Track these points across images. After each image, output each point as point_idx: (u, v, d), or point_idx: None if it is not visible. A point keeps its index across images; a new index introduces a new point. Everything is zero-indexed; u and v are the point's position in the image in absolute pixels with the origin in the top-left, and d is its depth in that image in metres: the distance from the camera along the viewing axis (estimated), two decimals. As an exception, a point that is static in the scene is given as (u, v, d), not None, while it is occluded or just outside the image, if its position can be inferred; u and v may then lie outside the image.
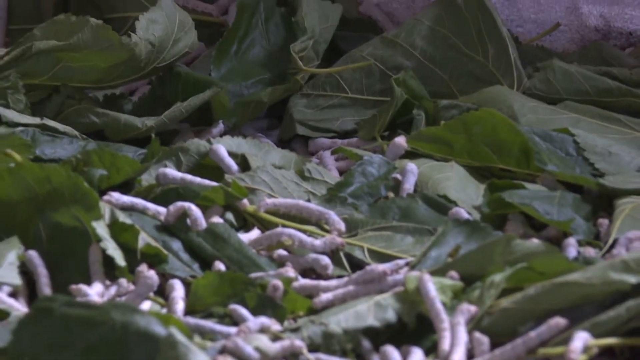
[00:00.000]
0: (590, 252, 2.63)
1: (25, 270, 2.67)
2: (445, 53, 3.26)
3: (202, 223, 2.69)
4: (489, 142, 2.91)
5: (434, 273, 2.51)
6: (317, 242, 2.64)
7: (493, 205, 2.77)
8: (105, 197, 2.73)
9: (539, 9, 3.26)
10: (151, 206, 2.74)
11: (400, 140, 3.01)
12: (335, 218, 2.72)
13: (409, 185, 2.82)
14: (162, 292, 2.62)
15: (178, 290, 2.57)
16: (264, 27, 3.28)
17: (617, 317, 2.40)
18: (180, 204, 2.85)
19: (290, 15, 3.28)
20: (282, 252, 2.71)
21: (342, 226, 2.71)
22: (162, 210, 2.74)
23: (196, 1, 3.39)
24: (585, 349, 2.33)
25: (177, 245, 2.70)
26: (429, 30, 3.26)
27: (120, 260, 2.64)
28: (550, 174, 2.85)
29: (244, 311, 2.49)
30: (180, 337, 2.29)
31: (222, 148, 2.90)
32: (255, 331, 2.45)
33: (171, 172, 2.81)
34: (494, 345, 2.41)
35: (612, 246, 2.64)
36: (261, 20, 3.26)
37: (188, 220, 2.72)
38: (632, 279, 2.42)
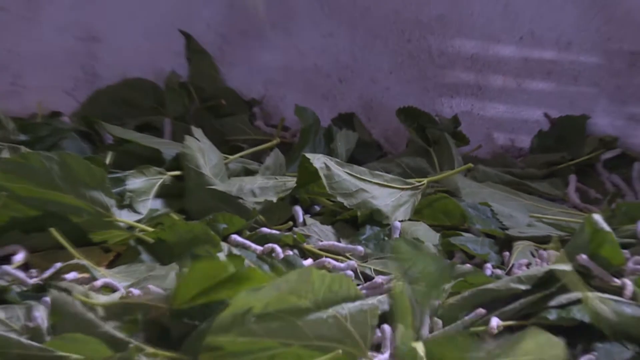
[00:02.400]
0: (498, 272, 2.62)
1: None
2: (419, 167, 3.10)
3: (281, 255, 2.64)
4: (442, 210, 2.87)
5: (412, 283, 2.43)
6: (343, 265, 2.61)
7: (444, 245, 2.74)
8: (230, 238, 2.67)
9: (471, 137, 3.18)
10: (252, 245, 2.66)
11: None
12: (356, 249, 2.66)
13: (396, 235, 2.77)
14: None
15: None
16: (314, 146, 3.14)
17: (514, 309, 2.40)
18: (269, 245, 2.67)
19: (330, 139, 3.18)
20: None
21: (361, 252, 2.66)
22: (258, 247, 2.66)
23: (281, 132, 3.24)
24: (497, 327, 2.32)
25: (265, 267, 2.59)
26: (410, 154, 3.16)
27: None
28: (477, 229, 2.83)
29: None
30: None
31: (300, 209, 2.81)
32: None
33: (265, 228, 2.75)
34: (444, 325, 2.40)
35: (511, 269, 2.63)
36: (313, 142, 3.14)
37: (273, 254, 2.65)
38: (522, 287, 2.42)
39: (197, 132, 2.94)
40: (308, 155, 2.80)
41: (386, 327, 2.33)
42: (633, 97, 3.14)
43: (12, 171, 2.62)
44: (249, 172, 3.01)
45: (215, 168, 2.90)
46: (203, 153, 2.90)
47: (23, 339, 2.25)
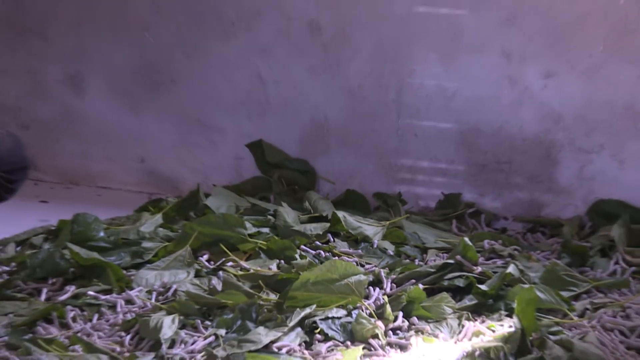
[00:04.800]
0: (421, 264, 2.57)
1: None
2: (385, 216, 2.96)
3: (323, 255, 2.60)
4: (396, 235, 2.78)
5: (382, 268, 2.50)
6: (352, 260, 2.56)
7: (396, 252, 2.68)
8: (301, 247, 2.62)
9: (408, 202, 3.09)
10: (310, 250, 2.61)
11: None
12: (357, 252, 2.64)
13: (375, 246, 2.70)
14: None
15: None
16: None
17: (428, 280, 2.40)
18: (318, 250, 2.60)
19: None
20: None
21: (360, 254, 2.63)
22: (313, 252, 2.61)
23: None
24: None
25: (316, 261, 2.54)
26: (381, 211, 3.01)
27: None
28: (411, 244, 2.76)
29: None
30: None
31: (330, 235, 2.73)
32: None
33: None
34: (397, 287, 2.39)
35: (427, 262, 2.59)
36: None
37: (320, 255, 2.59)
38: (432, 270, 2.43)
39: (285, 205, 2.90)
40: (336, 211, 2.83)
41: (371, 288, 2.35)
42: (481, 186, 3.08)
43: (201, 222, 2.65)
44: (313, 219, 2.92)
45: (293, 220, 2.82)
46: (287, 213, 2.83)
47: (206, 294, 2.28)
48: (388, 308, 2.17)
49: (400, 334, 2.12)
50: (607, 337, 2.05)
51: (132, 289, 2.33)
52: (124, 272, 2.38)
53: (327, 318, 2.11)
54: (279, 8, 2.98)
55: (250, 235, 2.62)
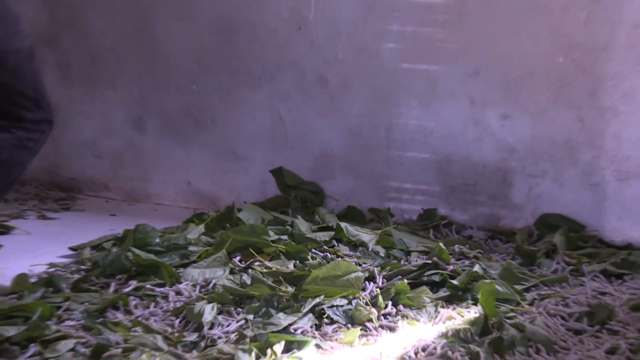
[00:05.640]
0: (406, 263, 2.53)
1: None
2: (377, 227, 2.90)
3: (330, 257, 2.55)
4: (386, 241, 2.73)
5: (375, 267, 2.48)
6: (352, 260, 2.52)
7: (386, 254, 2.64)
8: (312, 250, 2.60)
9: (396, 214, 3.04)
10: (319, 253, 2.52)
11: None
12: (356, 254, 2.60)
13: (370, 249, 2.65)
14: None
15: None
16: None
17: (412, 276, 2.38)
18: (326, 253, 2.56)
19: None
20: (344, 264, 2.52)
21: (358, 255, 2.59)
22: (321, 254, 2.55)
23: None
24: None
25: (324, 261, 2.47)
26: (374, 222, 2.95)
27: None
28: (398, 248, 2.71)
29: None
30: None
31: (335, 241, 2.67)
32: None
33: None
34: (387, 281, 2.37)
35: (410, 262, 2.56)
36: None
37: (328, 256, 2.56)
38: (414, 268, 2.42)
39: (300, 217, 2.87)
40: (340, 222, 2.81)
41: (367, 282, 2.30)
42: (452, 203, 3.07)
43: (235, 231, 2.61)
44: (322, 228, 2.89)
45: (306, 229, 2.78)
46: (302, 224, 2.80)
47: (238, 287, 2.23)
48: (380, 298, 2.18)
49: (390, 319, 2.12)
50: (551, 321, 2.06)
51: (180, 283, 2.31)
52: (175, 270, 2.37)
53: (332, 306, 2.11)
54: (295, 65, 3.02)
55: (273, 241, 2.58)
